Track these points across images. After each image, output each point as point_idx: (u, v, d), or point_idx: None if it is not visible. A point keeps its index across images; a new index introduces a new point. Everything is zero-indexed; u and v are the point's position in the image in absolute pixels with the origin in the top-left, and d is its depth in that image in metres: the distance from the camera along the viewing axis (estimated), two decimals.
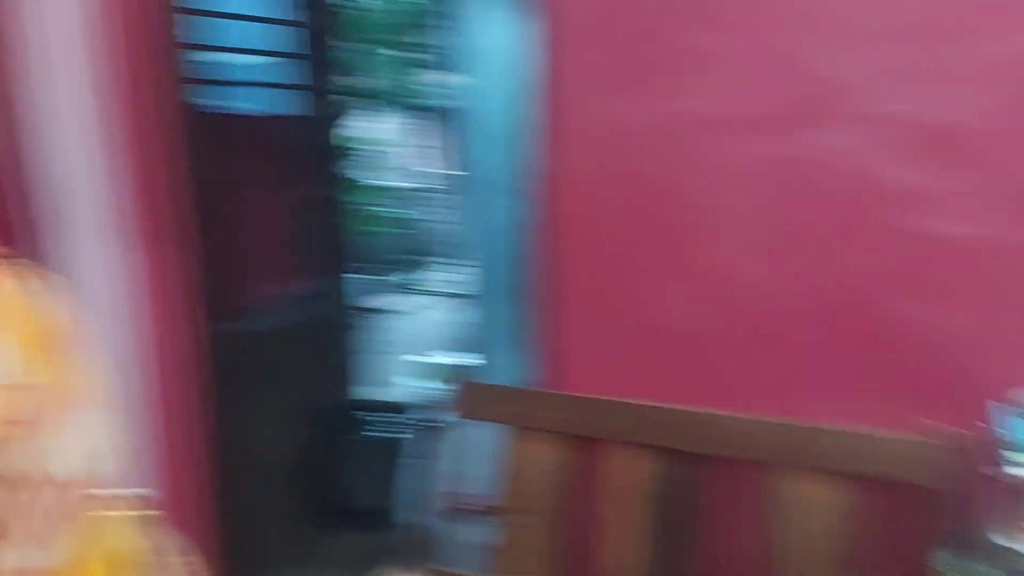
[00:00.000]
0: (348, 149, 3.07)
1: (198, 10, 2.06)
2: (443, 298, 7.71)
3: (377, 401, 3.24)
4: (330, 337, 2.96)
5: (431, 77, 6.85)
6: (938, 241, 1.39)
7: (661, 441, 1.58)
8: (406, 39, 5.46)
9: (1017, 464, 1.21)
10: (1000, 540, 1.19)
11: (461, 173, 2.01)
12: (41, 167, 1.70)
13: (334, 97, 2.86)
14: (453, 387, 1.82)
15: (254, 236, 2.46)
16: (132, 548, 0.90)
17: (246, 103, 2.94)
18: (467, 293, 2.61)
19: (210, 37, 2.24)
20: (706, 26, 1.46)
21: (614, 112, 1.55)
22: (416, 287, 8.03)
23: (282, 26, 2.75)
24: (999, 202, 1.36)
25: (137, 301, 1.84)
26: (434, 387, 4.56)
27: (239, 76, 2.97)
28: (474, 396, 1.78)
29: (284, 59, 2.80)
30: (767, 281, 1.49)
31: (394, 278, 8.13)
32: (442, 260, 9.01)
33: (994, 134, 1.36)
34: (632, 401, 1.60)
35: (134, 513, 0.91)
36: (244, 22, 2.71)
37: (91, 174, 1.74)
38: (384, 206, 8.77)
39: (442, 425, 1.90)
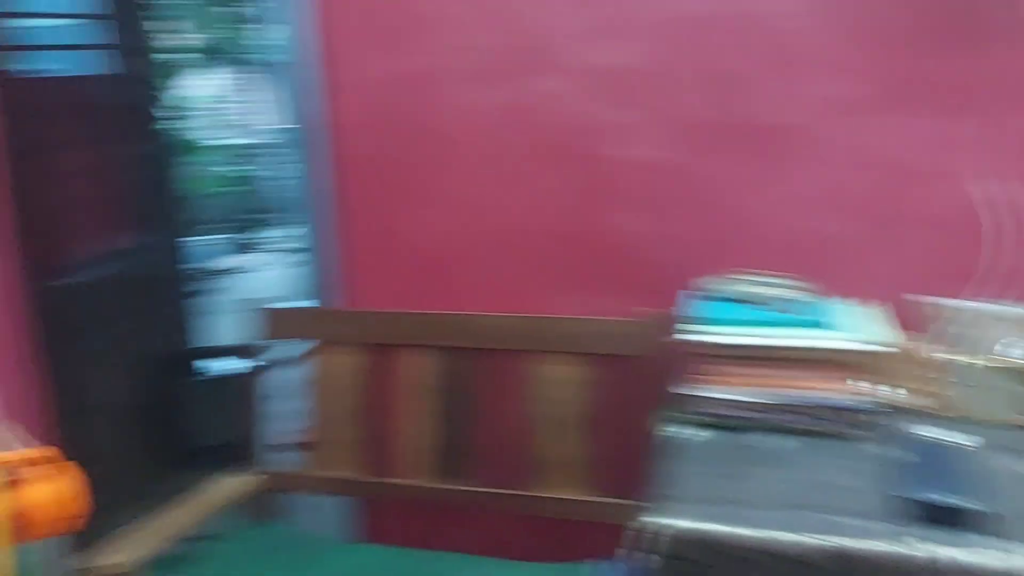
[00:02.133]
0: (176, 107, 3.18)
1: None
2: (282, 254, 7.79)
3: (214, 347, 3.42)
4: (162, 290, 3.10)
5: (260, 31, 6.81)
6: (626, 162, 1.77)
7: (438, 341, 1.91)
8: None
9: (695, 333, 1.57)
10: (689, 391, 1.54)
11: (292, 127, 2.17)
12: None
13: (153, 55, 2.97)
14: (261, 318, 2.06)
15: (76, 195, 2.57)
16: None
17: (55, 65, 2.99)
18: (302, 247, 2.74)
19: (16, 3, 2.33)
20: None
21: (376, 68, 1.84)
22: (257, 245, 8.06)
23: None
24: (663, 131, 1.75)
25: None
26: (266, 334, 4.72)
27: (46, 39, 3.02)
28: (278, 320, 2.04)
29: (93, 20, 2.87)
30: (503, 202, 1.84)
31: (235, 237, 8.11)
32: (280, 216, 9.02)
33: (655, 76, 1.73)
34: (413, 312, 1.92)
35: None
36: None
37: None
38: (223, 165, 8.65)
39: (273, 366, 2.13)
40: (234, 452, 3.16)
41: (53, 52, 3.00)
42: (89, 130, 2.70)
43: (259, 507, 2.02)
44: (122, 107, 2.86)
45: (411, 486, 1.95)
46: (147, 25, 2.98)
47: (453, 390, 1.93)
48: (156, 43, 3.04)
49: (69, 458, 2.34)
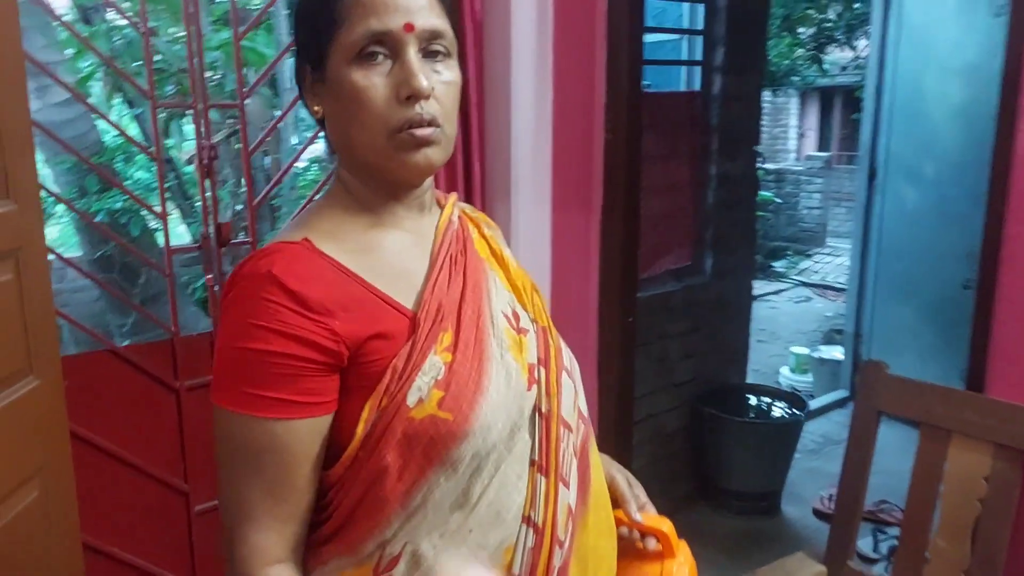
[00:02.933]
0: (754, 125, 3.04)
1: None
2: (821, 288, 7.32)
3: (765, 387, 3.20)
4: (730, 317, 2.96)
5: (838, 54, 6.44)
6: None
7: None
8: (819, 15, 5.17)
9: None
10: None
11: (855, 156, 1.83)
12: (497, 135, 1.94)
13: (745, 76, 2.85)
14: (859, 377, 1.73)
15: (668, 208, 2.56)
16: (607, 476, 0.97)
17: (655, 80, 3.05)
18: (846, 285, 2.36)
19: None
20: None
21: None
22: (794, 275, 7.73)
23: (695, 3, 2.80)
24: None
25: (560, 258, 2.03)
26: (814, 380, 4.38)
27: (649, 55, 3.10)
28: (890, 388, 1.67)
29: (690, 37, 2.85)
30: None
31: (774, 264, 7.90)
32: (822, 248, 8.53)
33: None
34: None
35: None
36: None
37: (535, 144, 1.94)
38: (767, 190, 8.50)
39: (845, 422, 1.81)
40: (762, 504, 2.93)
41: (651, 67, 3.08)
42: (689, 145, 2.69)
43: None
44: (725, 125, 2.78)
45: None
46: (756, 46, 2.87)
47: None
48: (762, 64, 2.92)
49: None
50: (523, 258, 1.96)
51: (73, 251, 5.26)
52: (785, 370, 4.62)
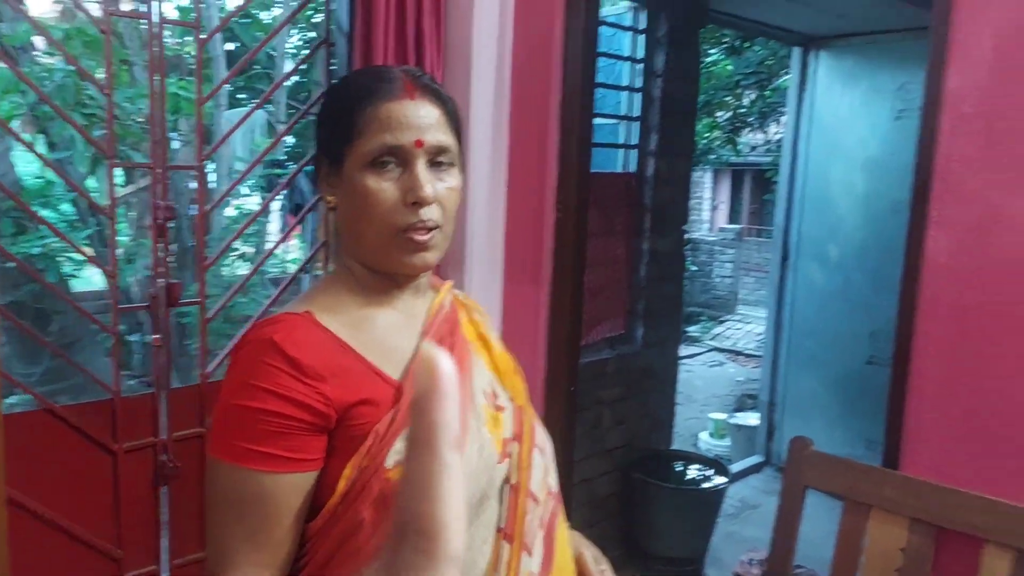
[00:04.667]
0: (683, 205, 3.22)
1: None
2: (733, 353, 7.62)
3: (690, 453, 3.32)
4: (656, 384, 3.09)
5: (750, 136, 6.88)
6: None
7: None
8: (735, 101, 5.56)
9: None
10: None
11: (764, 230, 1.97)
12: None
13: (676, 160, 3.04)
14: (788, 454, 1.84)
15: (606, 280, 2.69)
16: (576, 551, 1.03)
17: (596, 161, 3.21)
18: (756, 351, 2.52)
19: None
20: None
21: (994, 199, 1.53)
22: (707, 340, 8.05)
23: (631, 93, 3.00)
24: None
25: (510, 328, 2.10)
26: (732, 445, 4.53)
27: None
28: (815, 464, 1.79)
29: (629, 122, 3.04)
30: None
31: (688, 329, 8.20)
32: (733, 315, 8.93)
33: None
34: (998, 499, 1.53)
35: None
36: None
37: (490, 219, 2.03)
38: (687, 259, 8.83)
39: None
40: (687, 570, 3.02)
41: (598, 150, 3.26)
42: (623, 222, 2.84)
43: None
44: (657, 205, 2.95)
45: None
46: (686, 133, 3.07)
47: None
48: (690, 150, 3.13)
49: None
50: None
51: None
52: (704, 435, 4.77)
